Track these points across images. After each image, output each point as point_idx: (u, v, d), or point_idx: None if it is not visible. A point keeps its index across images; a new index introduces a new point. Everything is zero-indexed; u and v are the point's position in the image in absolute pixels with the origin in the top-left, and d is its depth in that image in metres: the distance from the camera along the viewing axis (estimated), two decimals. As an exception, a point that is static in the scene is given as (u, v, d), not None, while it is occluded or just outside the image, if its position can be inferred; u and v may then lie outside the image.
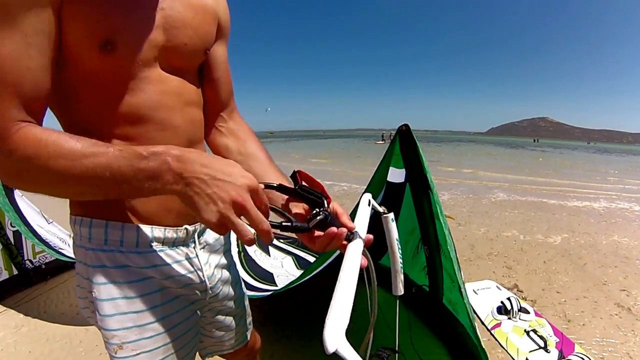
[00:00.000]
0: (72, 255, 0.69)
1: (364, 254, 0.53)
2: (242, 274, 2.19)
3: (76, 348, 1.91)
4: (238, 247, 2.54)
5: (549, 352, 1.85)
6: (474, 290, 2.51)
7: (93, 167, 0.47)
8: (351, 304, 0.41)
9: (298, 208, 0.62)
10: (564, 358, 1.82)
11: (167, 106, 0.63)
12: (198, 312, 0.76)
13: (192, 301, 0.73)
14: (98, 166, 0.47)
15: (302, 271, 2.15)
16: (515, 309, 2.15)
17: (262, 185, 0.52)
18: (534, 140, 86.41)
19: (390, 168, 1.16)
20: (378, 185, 1.21)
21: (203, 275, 0.72)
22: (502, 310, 2.19)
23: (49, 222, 2.55)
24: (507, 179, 8.99)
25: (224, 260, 0.81)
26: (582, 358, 1.81)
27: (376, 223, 0.66)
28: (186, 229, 0.69)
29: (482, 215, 4.91)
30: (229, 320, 0.86)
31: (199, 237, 0.73)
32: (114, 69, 0.56)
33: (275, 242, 2.77)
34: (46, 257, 2.63)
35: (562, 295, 2.58)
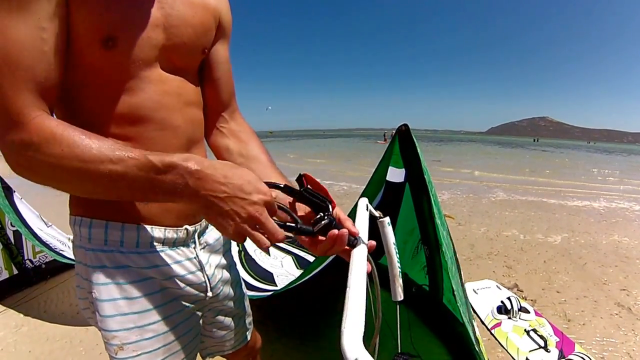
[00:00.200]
0: (73, 257, 0.68)
1: (367, 259, 0.54)
2: (243, 274, 2.20)
3: (76, 347, 1.91)
4: (238, 246, 2.54)
5: (549, 352, 1.85)
6: (474, 289, 2.51)
7: (108, 173, 0.47)
8: (364, 311, 0.41)
9: (301, 211, 0.62)
10: (564, 358, 1.82)
11: (167, 106, 0.63)
12: (199, 312, 0.76)
13: (193, 301, 0.73)
14: (114, 173, 0.47)
15: (301, 271, 2.15)
16: (516, 308, 2.15)
17: (274, 193, 0.53)
18: (534, 140, 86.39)
19: (390, 167, 1.16)
20: (377, 185, 1.21)
21: (203, 276, 0.72)
22: (502, 309, 2.19)
23: (48, 226, 2.55)
24: (507, 179, 8.98)
25: (224, 261, 0.81)
26: (582, 358, 1.80)
27: (372, 226, 0.66)
28: (186, 229, 0.69)
29: (482, 215, 4.91)
30: (230, 320, 0.86)
31: (199, 238, 0.73)
32: (114, 67, 0.56)
33: None
34: (46, 257, 2.63)
35: (562, 295, 2.58)
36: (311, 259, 2.54)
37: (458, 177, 9.12)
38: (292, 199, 0.61)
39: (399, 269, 0.58)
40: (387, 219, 0.61)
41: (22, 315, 2.21)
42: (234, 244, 2.43)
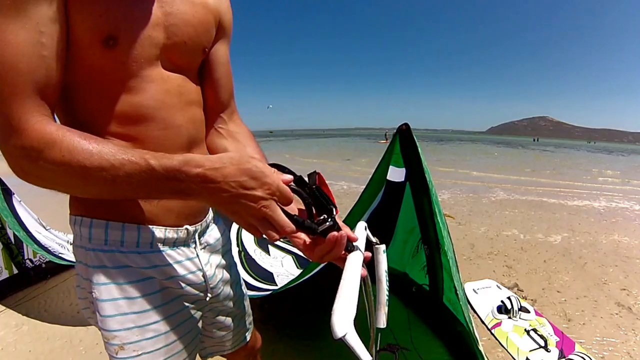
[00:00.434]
0: (73, 259, 0.68)
1: (362, 265, 0.54)
2: (243, 274, 2.19)
3: (76, 347, 1.91)
4: (238, 246, 2.54)
5: (549, 352, 1.85)
6: (474, 289, 2.51)
7: (111, 178, 0.47)
8: (357, 296, 0.41)
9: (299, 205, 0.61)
10: (564, 357, 1.82)
11: (168, 105, 0.62)
12: (199, 312, 0.76)
13: (193, 302, 0.73)
14: (116, 177, 0.47)
15: (302, 270, 2.15)
16: (516, 308, 2.15)
17: (287, 177, 0.53)
18: (534, 140, 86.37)
19: (390, 167, 1.16)
20: (378, 184, 1.21)
21: (204, 276, 0.72)
22: (502, 309, 2.19)
23: (46, 229, 2.55)
24: (507, 178, 8.98)
25: (224, 261, 0.81)
26: (582, 357, 1.80)
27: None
28: (187, 229, 0.69)
29: (482, 215, 4.91)
30: (230, 320, 0.86)
31: (199, 238, 0.73)
32: (115, 67, 0.56)
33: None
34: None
35: (562, 295, 2.58)
36: (308, 258, 2.54)
37: (458, 176, 9.12)
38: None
39: (386, 298, 0.58)
40: (382, 247, 0.62)
41: (22, 314, 2.21)
42: (234, 243, 2.43)
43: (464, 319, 1.00)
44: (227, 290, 0.81)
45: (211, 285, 0.74)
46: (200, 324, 0.78)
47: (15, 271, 2.48)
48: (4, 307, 2.27)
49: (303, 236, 0.57)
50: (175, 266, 0.67)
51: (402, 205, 1.22)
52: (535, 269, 3.02)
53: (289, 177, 0.53)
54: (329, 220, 0.53)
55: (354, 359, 0.40)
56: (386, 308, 0.59)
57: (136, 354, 0.63)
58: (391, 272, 0.63)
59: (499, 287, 2.57)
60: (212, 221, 0.80)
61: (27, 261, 2.54)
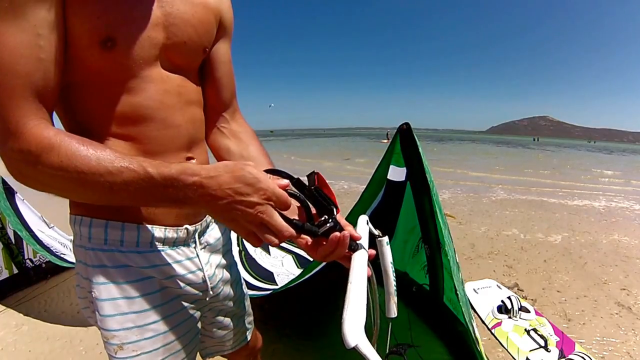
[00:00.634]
0: (74, 260, 0.68)
1: (367, 265, 0.53)
2: (243, 273, 2.20)
3: (76, 347, 1.91)
4: (239, 246, 2.54)
5: (549, 351, 1.85)
6: (474, 289, 2.51)
7: (109, 185, 0.47)
8: (365, 302, 0.41)
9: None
10: (564, 357, 1.82)
11: (168, 105, 0.62)
12: (199, 312, 0.76)
13: (193, 301, 0.73)
14: (113, 184, 0.47)
15: (302, 270, 2.15)
16: (516, 308, 2.15)
17: (284, 182, 0.52)
18: (534, 139, 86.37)
19: (391, 166, 1.16)
20: (378, 184, 1.21)
21: (204, 276, 0.72)
22: (502, 309, 2.18)
23: (50, 227, 2.55)
24: (507, 178, 8.98)
25: (225, 261, 0.81)
26: (582, 357, 1.80)
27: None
28: (187, 228, 0.68)
29: (483, 214, 4.91)
30: (230, 320, 0.85)
31: (199, 237, 0.73)
32: (114, 67, 0.56)
33: None
34: (46, 256, 2.64)
35: (562, 294, 2.58)
36: (311, 257, 2.54)
37: (459, 176, 9.12)
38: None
39: (394, 288, 0.58)
40: (385, 238, 0.61)
41: (22, 314, 2.21)
42: (234, 243, 2.43)
43: (464, 319, 1.00)
44: (227, 290, 0.81)
45: (211, 285, 0.73)
46: (200, 324, 0.78)
47: (16, 271, 2.48)
48: (4, 307, 2.27)
49: (306, 237, 0.57)
50: (175, 266, 0.67)
51: (403, 205, 1.22)
52: (535, 269, 3.02)
53: (285, 181, 0.53)
54: (330, 221, 0.53)
55: (354, 359, 0.40)
56: (395, 298, 0.59)
57: (135, 354, 0.63)
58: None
59: (499, 286, 2.56)
60: (213, 221, 0.80)
61: (27, 261, 2.54)
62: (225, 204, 0.48)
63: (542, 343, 1.89)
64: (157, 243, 0.65)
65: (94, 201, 0.53)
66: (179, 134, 0.65)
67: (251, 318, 0.95)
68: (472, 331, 0.96)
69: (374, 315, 0.57)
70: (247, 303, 0.93)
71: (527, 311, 2.20)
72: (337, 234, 0.52)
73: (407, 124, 1.06)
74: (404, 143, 1.08)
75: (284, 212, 0.51)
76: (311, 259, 2.48)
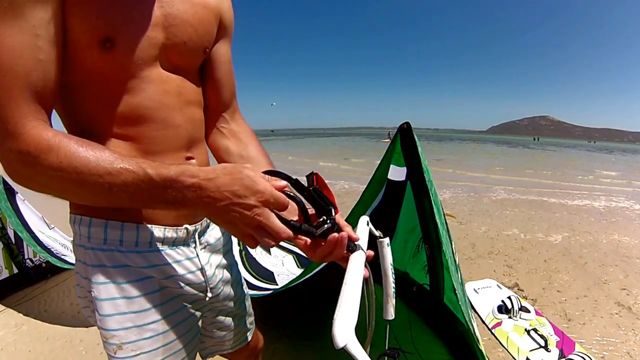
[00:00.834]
0: (74, 261, 0.68)
1: (365, 266, 0.53)
2: (244, 273, 2.19)
3: (76, 347, 1.91)
4: (239, 245, 2.54)
5: (549, 351, 1.85)
6: (474, 289, 2.51)
7: (108, 186, 0.47)
8: (358, 303, 0.41)
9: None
10: (564, 357, 1.82)
11: (167, 106, 0.62)
12: (198, 312, 0.76)
13: (193, 301, 0.73)
14: (112, 185, 0.47)
15: (302, 269, 2.15)
16: (516, 308, 2.15)
17: (281, 183, 0.52)
18: (535, 139, 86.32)
19: (391, 166, 1.16)
20: (379, 183, 1.21)
21: (204, 276, 0.72)
22: (502, 309, 2.18)
23: (50, 228, 2.55)
24: (508, 178, 8.98)
25: (225, 261, 0.80)
26: (582, 357, 1.80)
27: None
28: (186, 228, 0.68)
29: (483, 214, 4.91)
30: (230, 320, 0.85)
31: (199, 237, 0.72)
32: (113, 68, 0.56)
33: None
34: (47, 256, 2.64)
35: (562, 294, 2.58)
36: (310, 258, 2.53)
37: (459, 176, 9.12)
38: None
39: (393, 289, 0.58)
40: (386, 240, 0.61)
41: (22, 314, 2.21)
42: (234, 243, 2.43)
43: (465, 318, 1.00)
44: (228, 290, 0.81)
45: (211, 285, 0.73)
46: (200, 324, 0.77)
47: (16, 271, 2.48)
48: (4, 307, 2.27)
49: (304, 237, 0.56)
50: (175, 265, 0.67)
51: (403, 204, 1.22)
52: (535, 269, 3.02)
53: (283, 183, 0.53)
54: (328, 222, 0.53)
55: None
56: (393, 300, 0.59)
57: (134, 354, 0.63)
58: (392, 271, 0.62)
59: (499, 286, 2.56)
60: (213, 221, 0.80)
61: (27, 261, 2.54)
62: (223, 206, 0.48)
63: (542, 343, 1.89)
64: (156, 243, 0.65)
65: (93, 202, 0.53)
66: (179, 134, 0.65)
67: (252, 318, 0.95)
68: (472, 331, 0.96)
69: (369, 317, 0.57)
70: (248, 303, 0.92)
71: (527, 311, 2.20)
72: (335, 234, 0.52)
73: (407, 123, 1.06)
74: (405, 142, 1.09)
75: (282, 214, 0.51)
76: (311, 259, 2.48)
